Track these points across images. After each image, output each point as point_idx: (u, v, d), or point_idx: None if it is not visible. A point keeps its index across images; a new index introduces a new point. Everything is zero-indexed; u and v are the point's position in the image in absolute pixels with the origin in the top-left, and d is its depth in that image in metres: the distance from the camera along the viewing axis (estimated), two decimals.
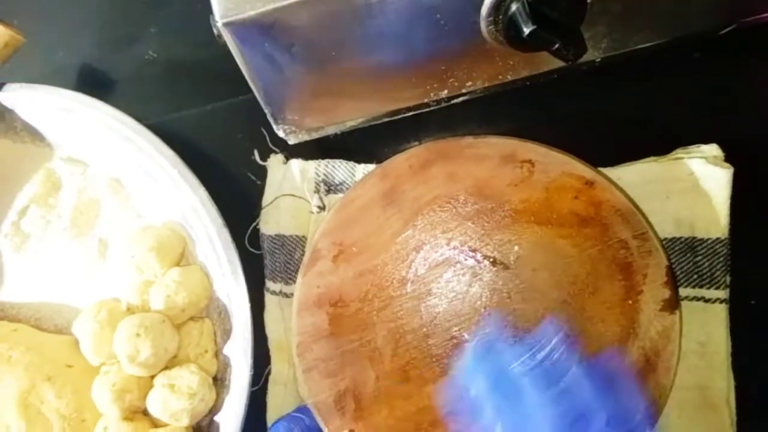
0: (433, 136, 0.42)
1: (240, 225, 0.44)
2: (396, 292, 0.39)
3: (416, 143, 0.42)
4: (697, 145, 0.40)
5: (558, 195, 0.38)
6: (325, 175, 0.43)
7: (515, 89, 0.40)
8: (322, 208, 0.43)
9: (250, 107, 0.40)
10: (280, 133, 0.40)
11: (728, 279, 0.39)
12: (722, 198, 0.39)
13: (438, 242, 0.39)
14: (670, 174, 0.40)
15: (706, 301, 0.39)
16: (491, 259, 0.39)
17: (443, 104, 0.39)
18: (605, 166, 0.40)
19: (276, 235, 0.43)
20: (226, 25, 0.30)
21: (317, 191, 0.43)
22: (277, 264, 0.43)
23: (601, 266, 0.38)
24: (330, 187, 0.43)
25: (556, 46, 0.31)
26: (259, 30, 0.31)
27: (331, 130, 0.41)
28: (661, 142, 0.41)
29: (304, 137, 0.41)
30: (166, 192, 0.41)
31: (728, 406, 0.39)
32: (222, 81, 0.43)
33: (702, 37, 0.39)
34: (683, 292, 0.40)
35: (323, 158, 0.43)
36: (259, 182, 0.44)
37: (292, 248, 0.43)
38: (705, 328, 0.39)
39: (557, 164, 0.38)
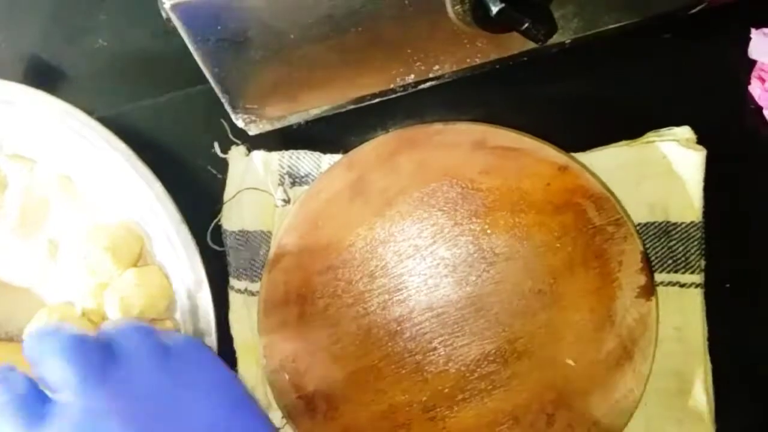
0: (401, 124, 0.41)
1: (201, 222, 0.42)
2: (366, 286, 0.38)
3: (384, 131, 0.40)
4: (669, 127, 0.40)
5: (530, 182, 0.37)
6: (289, 166, 0.41)
7: (485, 73, 0.39)
8: (287, 201, 0.41)
9: (210, 97, 0.37)
10: (240, 123, 0.38)
11: (703, 263, 0.39)
12: (696, 181, 0.39)
13: (408, 234, 0.38)
14: (642, 158, 0.39)
15: (682, 285, 0.39)
16: (464, 250, 0.38)
17: (410, 90, 0.38)
18: (577, 151, 0.39)
19: (239, 231, 0.41)
20: (174, 7, 0.28)
21: (282, 184, 0.41)
22: (241, 261, 0.41)
23: (575, 254, 0.37)
24: (295, 179, 0.41)
25: (526, 25, 0.30)
26: (210, 12, 0.29)
27: (294, 120, 0.39)
28: (633, 125, 0.40)
29: (265, 127, 0.39)
30: (120, 189, 0.39)
31: (706, 391, 0.38)
32: (179, 69, 0.41)
33: (672, 17, 0.38)
34: (658, 277, 0.39)
35: (287, 149, 0.41)
36: (220, 176, 0.42)
37: (256, 244, 0.41)
38: (681, 313, 0.39)
39: (529, 150, 0.37)
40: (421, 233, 0.38)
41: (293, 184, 0.41)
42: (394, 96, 0.38)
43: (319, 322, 0.38)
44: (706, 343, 0.39)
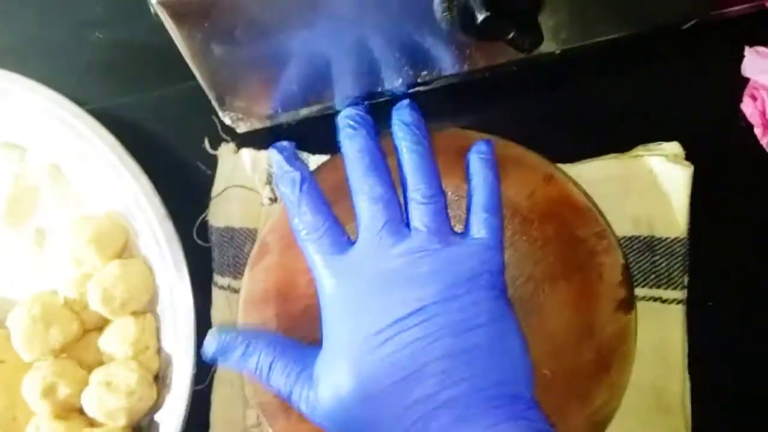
0: (388, 127, 0.41)
1: (188, 217, 0.42)
2: None
3: None
4: (658, 142, 0.40)
5: (515, 190, 0.37)
6: None
7: (475, 82, 0.39)
8: (273, 200, 0.41)
9: (201, 93, 0.37)
10: (227, 121, 0.38)
11: (686, 280, 0.39)
12: (682, 197, 0.38)
13: None
14: (630, 171, 0.39)
15: (663, 301, 0.39)
16: None
17: (399, 95, 0.38)
18: (565, 162, 0.39)
19: (225, 228, 0.41)
20: (161, 3, 0.28)
21: (269, 182, 0.41)
22: (225, 258, 0.41)
23: (556, 264, 0.37)
24: None
25: (511, 35, 0.30)
26: (198, 9, 0.29)
27: (283, 119, 0.39)
28: (623, 139, 0.40)
29: (254, 125, 0.39)
30: (108, 180, 0.39)
31: (683, 409, 0.38)
32: (171, 65, 0.40)
33: (664, 32, 0.38)
34: (640, 292, 0.39)
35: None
36: (209, 172, 0.42)
37: (241, 241, 0.41)
38: (661, 329, 0.39)
39: (515, 158, 0.37)
40: None
41: None
42: (382, 100, 0.38)
43: (298, 322, 0.38)
44: (686, 360, 0.39)
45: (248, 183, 0.41)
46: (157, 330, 0.39)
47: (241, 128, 0.39)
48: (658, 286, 0.39)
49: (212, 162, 0.42)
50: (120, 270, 0.38)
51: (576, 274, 0.36)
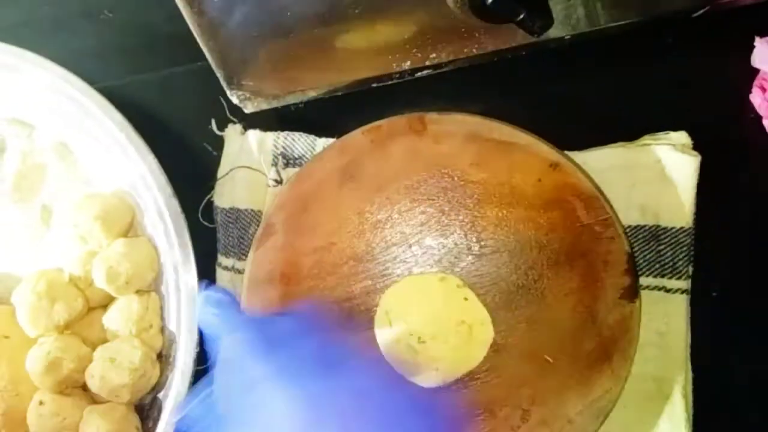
0: (398, 112, 0.41)
1: (194, 197, 0.42)
2: (350, 270, 0.38)
3: (380, 118, 0.41)
4: (666, 131, 0.39)
5: (521, 176, 0.37)
6: (284, 147, 0.41)
7: (485, 67, 0.39)
8: (279, 181, 0.41)
9: (210, 74, 0.38)
10: (235, 100, 0.38)
11: (690, 269, 0.39)
12: (688, 187, 0.38)
13: (396, 221, 0.38)
14: (637, 160, 0.39)
15: (667, 291, 0.39)
16: (450, 241, 0.38)
17: (407, 77, 0.38)
18: (572, 149, 0.39)
19: (230, 209, 0.41)
20: None
21: (275, 164, 0.41)
22: (230, 238, 0.41)
23: (561, 251, 0.37)
24: (288, 160, 0.41)
25: (521, 16, 0.29)
26: None
27: (290, 100, 0.39)
28: (630, 128, 0.40)
29: (261, 105, 0.39)
30: (115, 159, 0.39)
31: (685, 398, 0.38)
32: (181, 45, 0.41)
33: (675, 19, 0.38)
34: (645, 281, 0.39)
35: (283, 130, 0.42)
36: (215, 153, 0.43)
37: (246, 222, 0.41)
38: (665, 319, 0.38)
39: (522, 145, 0.37)
40: (410, 221, 0.38)
41: (287, 165, 0.41)
42: (391, 83, 0.38)
43: (301, 303, 0.38)
44: (689, 350, 0.38)
45: (254, 164, 0.41)
46: (161, 309, 0.39)
47: (249, 108, 0.39)
48: (663, 276, 0.39)
49: (219, 143, 0.42)
50: (125, 248, 0.38)
51: (580, 261, 0.36)
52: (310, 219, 0.38)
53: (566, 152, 0.38)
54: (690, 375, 0.38)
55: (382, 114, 0.41)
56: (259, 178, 0.41)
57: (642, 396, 0.38)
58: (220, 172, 0.42)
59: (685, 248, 0.38)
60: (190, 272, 0.38)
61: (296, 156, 0.41)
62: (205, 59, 0.36)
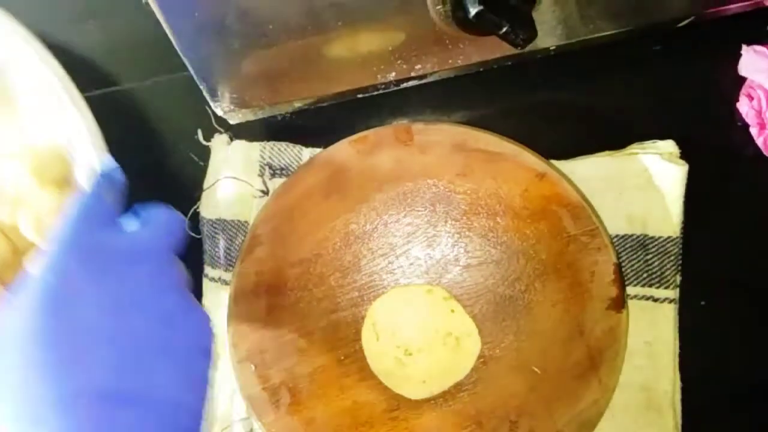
0: (385, 121, 0.41)
1: (180, 207, 0.41)
2: (337, 282, 0.38)
3: (368, 127, 0.40)
4: (653, 140, 0.39)
5: (508, 187, 0.37)
6: (270, 157, 0.41)
7: (472, 76, 0.38)
8: (265, 192, 0.41)
9: (194, 84, 0.37)
10: (220, 112, 0.38)
11: (678, 279, 0.39)
12: (675, 196, 0.38)
13: (383, 232, 0.38)
14: (624, 169, 0.39)
15: (655, 300, 0.38)
16: (438, 252, 0.38)
17: (393, 88, 0.38)
18: (559, 159, 0.39)
19: (216, 220, 0.41)
20: None
21: (261, 174, 0.41)
22: (216, 250, 0.41)
23: (548, 262, 0.36)
24: (275, 170, 0.41)
25: (504, 29, 0.29)
26: None
27: (276, 111, 0.39)
28: (617, 136, 0.40)
29: (247, 117, 0.39)
30: (53, 112, 0.38)
31: (673, 408, 0.38)
32: (165, 54, 0.41)
33: (660, 29, 0.38)
34: (633, 290, 0.39)
35: (270, 140, 0.41)
36: (202, 163, 0.42)
37: (233, 234, 0.41)
38: (652, 328, 0.38)
39: (508, 155, 0.37)
40: (396, 232, 0.38)
41: (273, 175, 0.41)
42: (377, 93, 0.38)
43: (288, 314, 0.38)
44: (677, 359, 0.38)
45: (240, 175, 0.41)
46: None
47: (234, 119, 0.39)
48: (651, 285, 0.39)
49: (205, 153, 0.42)
50: (56, 201, 0.37)
51: (567, 271, 0.36)
52: (296, 230, 0.38)
53: (553, 162, 0.38)
54: (679, 385, 0.38)
55: (370, 123, 0.41)
56: (246, 189, 0.41)
57: (630, 406, 0.38)
58: (206, 182, 0.41)
59: (672, 257, 0.38)
60: None
61: (282, 166, 0.41)
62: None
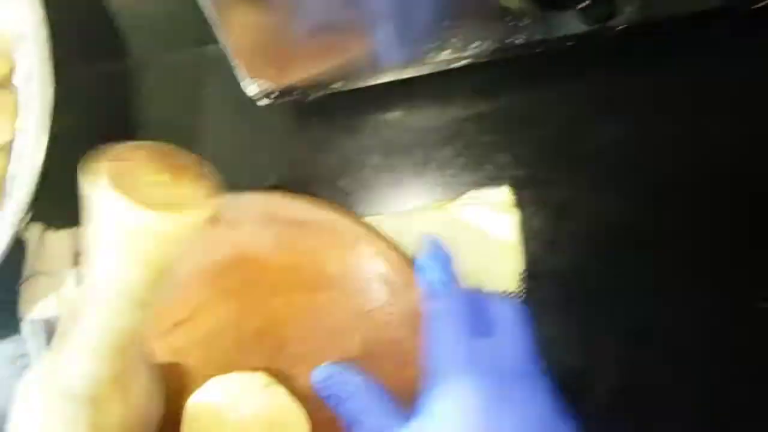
0: (422, 105, 0.39)
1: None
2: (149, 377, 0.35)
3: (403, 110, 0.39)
4: (486, 187, 0.37)
5: (323, 256, 0.34)
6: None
7: (518, 59, 0.36)
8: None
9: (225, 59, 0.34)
10: (252, 91, 0.35)
11: None
12: (510, 247, 0.36)
13: (197, 320, 0.35)
14: (457, 222, 0.36)
15: None
16: (259, 332, 0.35)
17: (443, 67, 0.36)
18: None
19: (35, 320, 0.38)
20: None
21: (77, 264, 0.38)
22: (42, 350, 0.38)
23: (368, 337, 0.34)
24: None
25: (586, 2, 0.28)
26: None
27: (309, 93, 0.37)
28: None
29: (280, 98, 0.36)
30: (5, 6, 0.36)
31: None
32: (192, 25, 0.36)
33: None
34: None
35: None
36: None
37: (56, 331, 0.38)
38: None
39: (323, 222, 0.34)
40: (216, 320, 0.35)
41: None
42: (425, 73, 0.36)
43: None
44: None
45: (52, 268, 0.38)
46: (4, 175, 0.36)
47: (264, 101, 0.36)
48: None
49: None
50: None
51: (394, 347, 0.34)
52: None
53: (389, 215, 0.36)
54: None
55: (405, 107, 0.39)
56: (59, 283, 0.38)
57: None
58: (21, 279, 0.38)
59: None
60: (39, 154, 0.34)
61: None
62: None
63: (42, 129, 0.34)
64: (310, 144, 0.39)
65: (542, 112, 0.39)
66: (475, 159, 0.38)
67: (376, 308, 0.34)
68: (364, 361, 0.33)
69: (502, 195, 0.36)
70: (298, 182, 0.39)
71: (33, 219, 0.35)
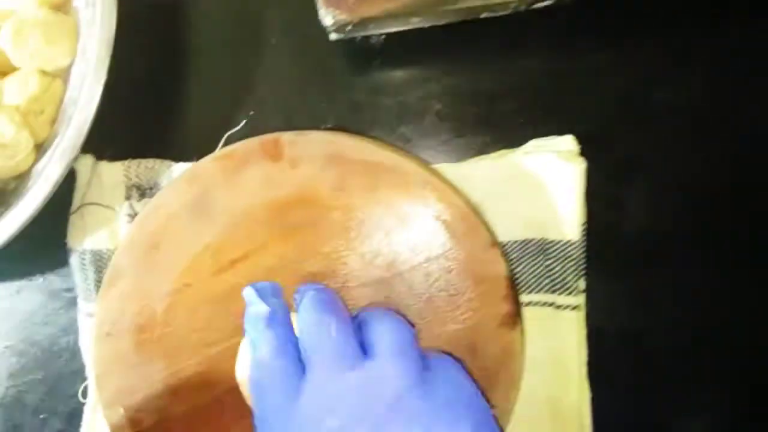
0: (493, 50, 0.38)
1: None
2: (209, 313, 0.34)
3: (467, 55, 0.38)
4: (552, 136, 0.36)
5: (386, 199, 0.34)
6: (136, 177, 0.37)
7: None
8: (135, 216, 0.37)
9: None
10: (328, 21, 0.34)
11: (582, 284, 0.36)
12: (573, 197, 0.35)
13: (255, 258, 0.34)
14: (520, 170, 0.36)
15: (558, 307, 0.36)
16: (316, 275, 0.34)
17: (522, 8, 0.35)
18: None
19: (83, 250, 0.37)
20: None
21: (129, 197, 0.37)
22: (89, 282, 0.37)
23: (433, 281, 0.33)
24: (144, 191, 0.37)
25: None
26: None
27: (380, 29, 0.36)
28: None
29: (353, 32, 0.35)
30: None
31: (579, 419, 0.36)
32: None
33: None
34: (535, 297, 0.36)
35: (137, 157, 0.38)
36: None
37: (104, 264, 0.37)
38: (557, 336, 0.36)
39: (388, 166, 0.34)
40: (270, 258, 0.34)
41: (142, 196, 0.37)
42: (502, 14, 0.35)
43: (159, 351, 0.34)
44: (584, 368, 0.36)
45: (105, 199, 0.37)
46: (60, 102, 0.36)
47: (334, 35, 0.35)
48: (553, 291, 0.36)
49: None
50: (47, 18, 0.35)
51: (454, 291, 0.33)
52: (161, 259, 0.34)
53: (447, 165, 0.36)
54: (587, 394, 0.36)
55: (469, 52, 0.38)
56: (112, 215, 0.37)
57: (537, 419, 0.36)
58: (72, 208, 0.38)
59: (573, 263, 0.36)
60: (98, 82, 0.33)
61: (151, 186, 0.37)
62: None
63: (104, 56, 0.33)
64: (372, 87, 0.38)
65: (616, 67, 0.37)
66: (541, 110, 0.37)
67: (436, 255, 0.34)
68: (421, 308, 0.34)
69: (567, 144, 0.36)
70: (357, 126, 0.38)
71: (84, 150, 0.34)
